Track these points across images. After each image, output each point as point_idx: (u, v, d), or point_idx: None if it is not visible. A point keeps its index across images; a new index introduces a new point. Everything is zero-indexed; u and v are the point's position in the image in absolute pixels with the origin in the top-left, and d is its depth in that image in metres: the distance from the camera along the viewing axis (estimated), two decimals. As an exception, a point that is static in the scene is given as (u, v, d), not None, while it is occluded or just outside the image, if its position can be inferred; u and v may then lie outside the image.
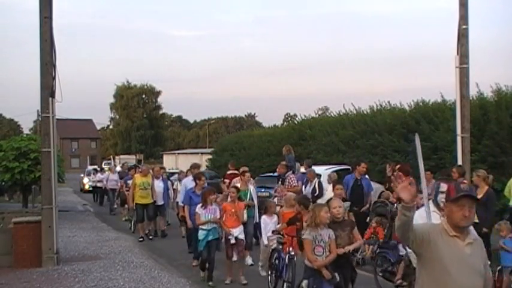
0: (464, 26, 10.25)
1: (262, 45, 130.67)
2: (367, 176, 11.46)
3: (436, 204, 4.90)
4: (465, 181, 9.54)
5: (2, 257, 10.03)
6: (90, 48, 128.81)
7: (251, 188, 10.48)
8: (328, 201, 6.76)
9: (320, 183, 12.22)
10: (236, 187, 9.30)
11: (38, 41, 9.89)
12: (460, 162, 10.29)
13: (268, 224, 8.57)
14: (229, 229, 8.55)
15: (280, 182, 12.66)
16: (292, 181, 12.42)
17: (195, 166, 12.44)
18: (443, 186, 4.66)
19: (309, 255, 5.97)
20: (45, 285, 8.50)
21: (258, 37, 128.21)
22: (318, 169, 14.55)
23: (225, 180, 13.35)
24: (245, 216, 9.47)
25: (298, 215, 7.51)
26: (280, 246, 7.84)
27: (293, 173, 13.30)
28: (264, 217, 8.79)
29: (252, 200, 10.29)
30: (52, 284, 8.61)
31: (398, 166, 11.32)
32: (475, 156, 12.06)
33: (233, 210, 8.64)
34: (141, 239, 13.20)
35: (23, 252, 9.89)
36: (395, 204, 9.69)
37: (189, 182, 11.51)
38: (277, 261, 7.84)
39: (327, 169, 14.90)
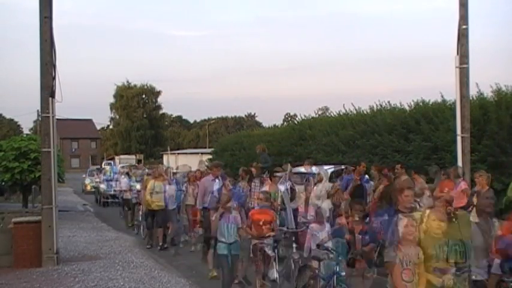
0: (464, 26, 10.27)
1: (263, 45, 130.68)
2: (367, 176, 11.43)
3: None
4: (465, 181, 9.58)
5: (2, 257, 10.05)
6: (90, 48, 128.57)
7: (281, 188, 9.48)
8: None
9: (292, 186, 11.47)
10: (265, 192, 8.15)
11: (38, 41, 9.92)
12: (460, 162, 10.30)
13: (316, 233, 7.21)
14: (255, 235, 7.40)
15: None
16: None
17: (217, 165, 11.37)
18: None
19: (399, 284, 4.69)
20: (45, 285, 8.51)
21: (258, 37, 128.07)
22: (317, 169, 14.51)
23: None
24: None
25: (347, 225, 6.43)
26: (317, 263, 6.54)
27: (268, 172, 12.42)
28: (312, 225, 7.54)
29: (283, 203, 9.29)
30: (52, 284, 8.62)
31: (399, 165, 11.34)
32: (475, 156, 12.05)
33: (263, 219, 7.51)
34: (149, 247, 12.34)
35: (23, 252, 9.91)
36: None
37: (209, 182, 10.49)
38: (312, 282, 6.57)
39: (326, 169, 14.86)
